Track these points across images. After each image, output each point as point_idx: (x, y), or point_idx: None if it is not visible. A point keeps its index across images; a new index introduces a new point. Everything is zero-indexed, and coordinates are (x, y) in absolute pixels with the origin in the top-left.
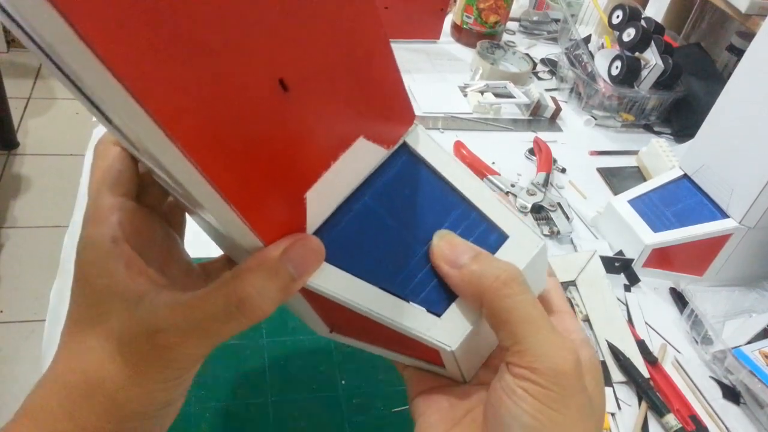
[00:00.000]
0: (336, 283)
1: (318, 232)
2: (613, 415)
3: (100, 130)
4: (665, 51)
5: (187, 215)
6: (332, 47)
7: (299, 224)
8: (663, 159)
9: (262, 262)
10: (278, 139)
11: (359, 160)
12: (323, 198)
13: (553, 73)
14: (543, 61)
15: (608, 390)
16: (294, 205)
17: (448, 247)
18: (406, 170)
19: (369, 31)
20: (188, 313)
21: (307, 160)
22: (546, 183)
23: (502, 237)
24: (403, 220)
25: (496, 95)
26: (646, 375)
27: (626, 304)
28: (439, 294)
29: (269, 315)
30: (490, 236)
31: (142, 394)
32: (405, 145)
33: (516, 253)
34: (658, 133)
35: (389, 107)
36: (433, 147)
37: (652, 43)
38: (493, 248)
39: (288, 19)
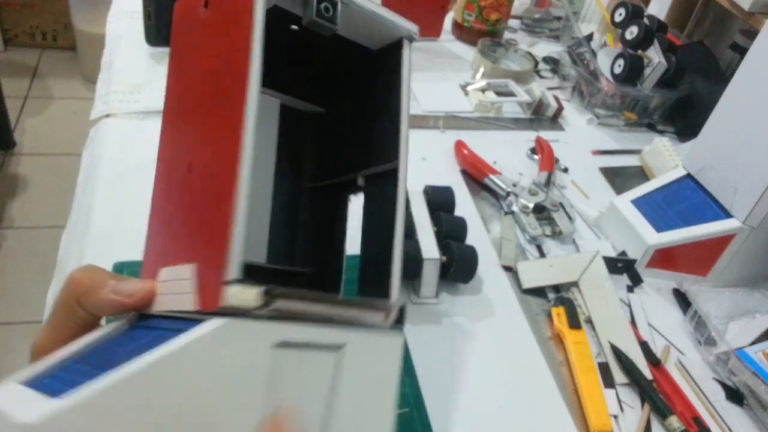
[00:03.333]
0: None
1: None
2: (615, 417)
3: (97, 130)
4: (668, 49)
5: None
6: (211, 166)
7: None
8: (666, 158)
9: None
10: (175, 207)
11: (178, 288)
12: (164, 286)
13: (555, 71)
14: (545, 59)
15: (611, 392)
16: (155, 266)
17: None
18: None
19: (227, 177)
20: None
21: (175, 242)
22: (548, 183)
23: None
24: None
25: (498, 94)
26: (649, 377)
27: (629, 305)
28: None
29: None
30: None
31: None
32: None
33: None
34: (661, 132)
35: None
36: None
37: (655, 41)
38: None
39: (200, 128)
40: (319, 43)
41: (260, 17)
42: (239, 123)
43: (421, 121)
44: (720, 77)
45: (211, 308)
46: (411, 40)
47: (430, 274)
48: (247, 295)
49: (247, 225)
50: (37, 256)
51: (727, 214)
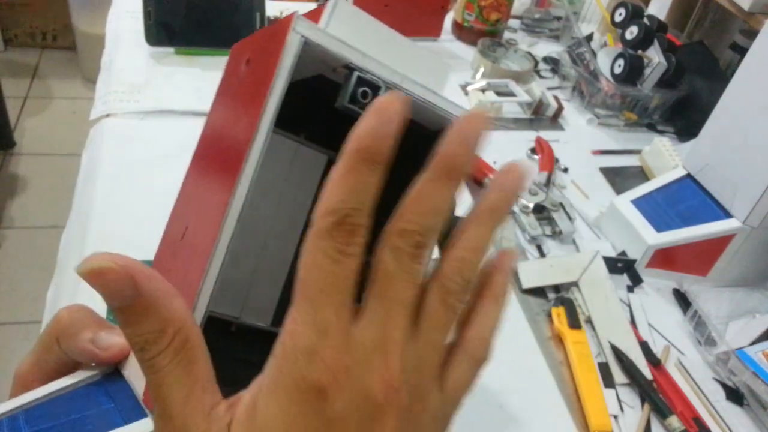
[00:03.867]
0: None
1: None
2: (615, 417)
3: (97, 130)
4: (668, 49)
5: None
6: (203, 239)
7: None
8: (666, 158)
9: None
10: (168, 270)
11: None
12: None
13: (555, 71)
14: (545, 59)
15: (611, 392)
16: None
17: None
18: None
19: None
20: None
21: None
22: (548, 183)
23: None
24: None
25: (498, 94)
26: (649, 377)
27: (629, 305)
28: None
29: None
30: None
31: None
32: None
33: None
34: (661, 132)
35: None
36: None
37: (655, 41)
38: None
39: (203, 192)
40: None
41: (280, 87)
42: (221, 213)
43: None
44: (720, 77)
45: (151, 406)
46: None
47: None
48: None
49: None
50: (36, 256)
51: (727, 214)
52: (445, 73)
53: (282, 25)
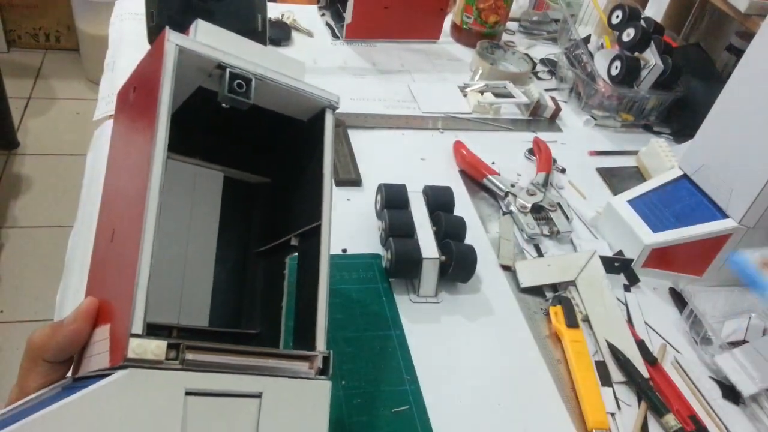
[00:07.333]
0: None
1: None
2: (612, 415)
3: (101, 131)
4: (665, 51)
5: None
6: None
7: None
8: (662, 159)
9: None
10: (102, 272)
11: (100, 348)
12: (93, 347)
13: (552, 73)
14: (542, 61)
15: (608, 390)
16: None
17: None
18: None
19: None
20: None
21: (102, 304)
22: (546, 183)
23: None
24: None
25: (496, 95)
26: (646, 375)
27: (626, 304)
28: None
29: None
30: None
31: None
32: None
33: None
34: (657, 133)
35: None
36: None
37: (652, 43)
38: None
39: (122, 200)
40: (260, 119)
41: (168, 89)
42: (144, 194)
43: (421, 122)
44: (716, 79)
45: (118, 362)
46: (333, 108)
47: (429, 274)
48: (150, 347)
49: (150, 287)
50: (40, 256)
51: (723, 215)
52: (302, 70)
53: (158, 43)
